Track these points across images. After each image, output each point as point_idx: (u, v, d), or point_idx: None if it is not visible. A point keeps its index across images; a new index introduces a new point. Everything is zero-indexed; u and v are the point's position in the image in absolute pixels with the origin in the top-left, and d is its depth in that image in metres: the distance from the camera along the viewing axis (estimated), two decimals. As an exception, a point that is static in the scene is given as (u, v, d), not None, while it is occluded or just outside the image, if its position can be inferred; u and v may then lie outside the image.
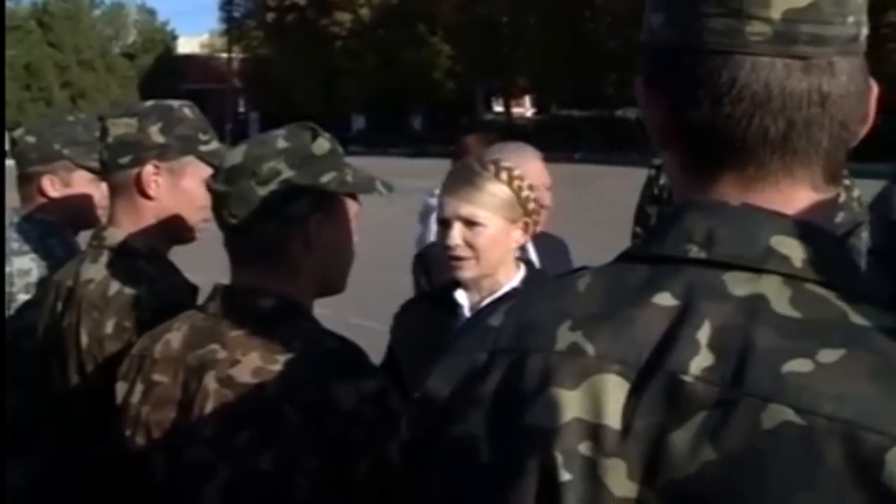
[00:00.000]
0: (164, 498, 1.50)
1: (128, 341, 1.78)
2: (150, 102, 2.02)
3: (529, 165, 2.82)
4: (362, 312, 6.35)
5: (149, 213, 1.96)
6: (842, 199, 2.61)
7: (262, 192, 1.54)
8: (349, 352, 1.51)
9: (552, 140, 24.68)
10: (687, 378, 0.73)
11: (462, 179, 2.12)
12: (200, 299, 1.88)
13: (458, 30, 40.91)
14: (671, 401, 0.73)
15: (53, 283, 2.03)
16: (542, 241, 2.90)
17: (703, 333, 0.75)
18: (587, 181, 20.29)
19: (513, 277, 2.14)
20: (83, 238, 2.49)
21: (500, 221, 2.07)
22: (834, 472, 0.67)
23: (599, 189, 19.27)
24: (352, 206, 1.64)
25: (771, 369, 0.71)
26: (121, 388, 1.60)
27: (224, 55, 50.49)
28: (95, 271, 1.90)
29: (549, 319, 0.82)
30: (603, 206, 14.84)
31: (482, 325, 0.87)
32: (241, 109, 51.90)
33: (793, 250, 0.77)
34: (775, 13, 0.77)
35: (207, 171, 1.93)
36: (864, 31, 0.82)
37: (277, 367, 1.44)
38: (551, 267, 2.56)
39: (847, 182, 2.65)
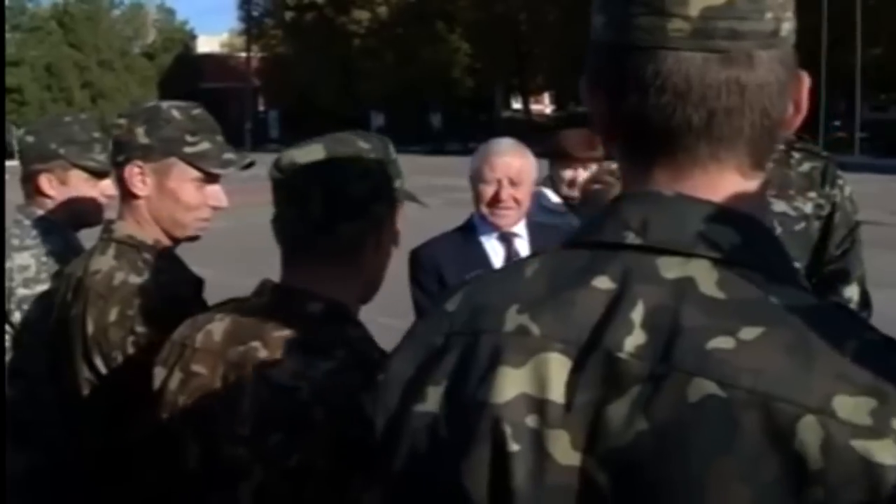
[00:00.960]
0: (197, 487, 1.51)
1: (130, 329, 1.86)
2: (151, 103, 2.10)
3: (530, 160, 2.95)
4: (388, 311, 6.44)
5: (143, 210, 2.05)
6: (836, 198, 2.66)
7: (353, 190, 1.53)
8: None
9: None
10: (622, 355, 0.80)
11: None
12: (209, 294, 1.95)
13: (476, 27, 40.91)
14: (609, 376, 0.80)
15: (65, 275, 2.11)
16: (536, 228, 3.02)
17: (637, 314, 0.81)
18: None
19: None
20: (83, 237, 2.57)
21: None
22: (751, 439, 0.73)
23: (617, 184, 19.20)
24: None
25: (697, 346, 0.77)
26: (159, 373, 1.60)
27: (243, 54, 50.36)
28: (103, 262, 1.98)
29: (498, 303, 0.88)
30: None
31: (439, 310, 0.94)
32: (261, 108, 51.78)
33: (721, 236, 0.83)
34: (693, 11, 0.83)
35: (195, 172, 2.02)
36: (787, 26, 0.86)
37: (315, 373, 1.43)
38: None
39: (840, 181, 2.68)
